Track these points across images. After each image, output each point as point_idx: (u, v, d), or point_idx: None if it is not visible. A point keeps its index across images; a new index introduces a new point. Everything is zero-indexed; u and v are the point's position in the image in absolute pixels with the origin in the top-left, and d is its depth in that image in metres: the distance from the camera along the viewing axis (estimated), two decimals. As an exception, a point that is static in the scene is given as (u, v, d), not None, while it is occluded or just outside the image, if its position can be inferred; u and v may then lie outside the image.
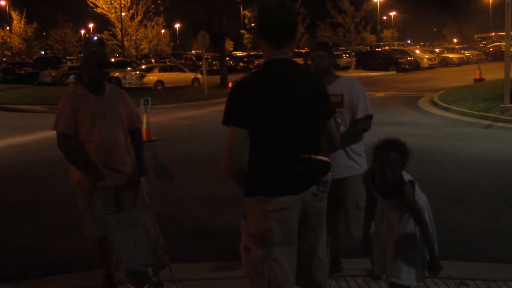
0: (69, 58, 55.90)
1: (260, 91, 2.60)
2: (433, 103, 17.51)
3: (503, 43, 23.17)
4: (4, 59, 54.79)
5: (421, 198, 3.30)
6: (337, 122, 3.97)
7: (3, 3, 67.31)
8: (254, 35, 2.72)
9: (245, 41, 77.43)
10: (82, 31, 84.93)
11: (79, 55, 62.95)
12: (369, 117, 4.07)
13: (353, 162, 4.02)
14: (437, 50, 49.02)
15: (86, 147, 3.93)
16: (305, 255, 2.81)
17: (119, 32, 45.20)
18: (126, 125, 4.07)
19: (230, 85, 19.94)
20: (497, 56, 41.55)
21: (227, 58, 40.34)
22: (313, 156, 2.68)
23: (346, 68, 39.64)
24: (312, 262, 2.84)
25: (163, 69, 30.47)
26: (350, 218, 4.04)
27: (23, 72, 37.53)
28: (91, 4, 43.90)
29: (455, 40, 74.41)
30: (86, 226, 4.06)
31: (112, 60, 35.25)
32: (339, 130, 3.97)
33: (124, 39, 45.59)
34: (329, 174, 2.80)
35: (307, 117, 2.72)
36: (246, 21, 41.28)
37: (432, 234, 3.23)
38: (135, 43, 51.58)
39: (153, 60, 49.65)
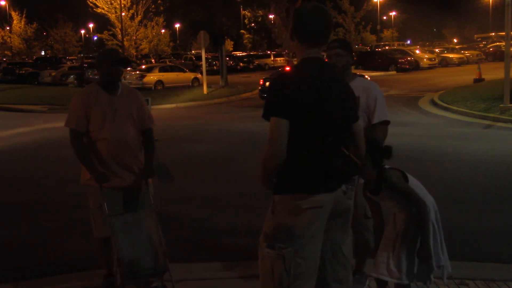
0: (69, 58, 55.90)
1: (301, 85, 2.67)
2: (433, 103, 17.52)
3: (503, 43, 23.18)
4: (4, 59, 54.78)
5: (425, 197, 3.33)
6: None
7: (3, 3, 67.33)
8: (290, 35, 2.86)
9: (245, 41, 77.48)
10: (82, 31, 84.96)
11: (79, 55, 62.98)
12: (385, 123, 3.88)
13: None
14: (437, 50, 49.02)
15: (97, 144, 3.95)
16: (330, 251, 2.85)
17: (119, 32, 45.19)
18: (138, 124, 4.07)
19: (261, 81, 19.59)
20: (497, 56, 41.54)
21: (227, 58, 40.35)
22: (351, 155, 2.74)
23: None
24: (337, 259, 2.88)
25: (163, 69, 30.45)
26: (364, 232, 3.92)
27: (23, 72, 37.51)
28: (91, 4, 43.92)
29: (455, 40, 74.41)
30: (94, 226, 4.05)
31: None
32: None
33: (124, 39, 45.57)
34: None
35: (342, 115, 2.79)
36: (246, 21, 41.23)
37: (436, 231, 3.27)
38: (135, 43, 51.58)
39: (153, 60, 49.64)
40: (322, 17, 2.78)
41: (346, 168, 2.75)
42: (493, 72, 24.59)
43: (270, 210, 2.77)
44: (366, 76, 23.27)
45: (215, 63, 41.34)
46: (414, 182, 3.37)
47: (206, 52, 27.71)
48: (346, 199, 2.84)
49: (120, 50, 44.31)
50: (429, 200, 3.35)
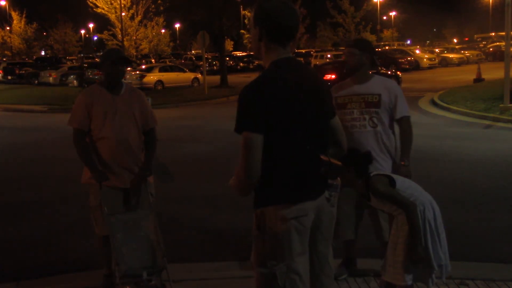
0: (69, 58, 55.90)
1: (273, 91, 2.46)
2: (433, 103, 17.53)
3: (503, 43, 23.17)
4: (4, 59, 54.76)
5: (420, 196, 3.33)
6: (373, 122, 3.99)
7: (3, 3, 67.27)
8: (253, 36, 2.63)
9: (245, 41, 77.35)
10: (82, 31, 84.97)
11: (79, 55, 63.00)
12: (407, 118, 4.09)
13: (377, 163, 3.90)
14: (437, 50, 49.02)
15: (98, 143, 3.97)
16: (317, 263, 2.71)
17: (119, 32, 45.15)
18: (140, 124, 4.08)
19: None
20: (497, 56, 41.55)
21: (227, 58, 40.37)
22: (331, 159, 2.59)
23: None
24: (324, 270, 2.74)
25: (163, 69, 30.46)
26: (381, 219, 3.95)
27: (23, 72, 37.53)
28: (91, 4, 43.91)
29: (455, 40, 74.39)
30: (95, 224, 4.07)
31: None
32: (376, 130, 3.99)
33: (124, 39, 45.55)
34: (338, 178, 2.74)
35: (319, 115, 2.62)
36: (246, 21, 41.27)
37: (433, 230, 3.28)
38: (135, 43, 51.56)
39: (153, 60, 49.65)
40: (292, 14, 2.56)
41: (330, 173, 2.62)
42: (493, 72, 24.59)
43: (255, 226, 2.59)
44: (399, 73, 23.74)
45: (215, 63, 41.39)
46: (405, 184, 3.38)
47: (206, 52, 27.70)
48: (329, 206, 2.70)
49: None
50: (426, 199, 3.35)
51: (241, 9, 37.75)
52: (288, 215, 2.49)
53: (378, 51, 46.69)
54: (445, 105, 16.51)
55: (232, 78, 30.32)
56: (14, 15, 62.67)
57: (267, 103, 2.43)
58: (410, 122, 4.12)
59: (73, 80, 31.87)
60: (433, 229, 3.32)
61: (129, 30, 48.12)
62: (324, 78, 17.59)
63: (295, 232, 2.52)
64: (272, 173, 2.48)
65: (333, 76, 18.23)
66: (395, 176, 3.42)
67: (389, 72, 23.18)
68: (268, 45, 2.58)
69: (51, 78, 34.10)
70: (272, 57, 2.58)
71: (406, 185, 3.37)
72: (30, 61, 49.16)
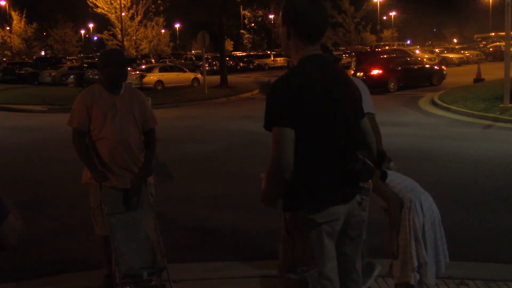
0: (69, 58, 55.89)
1: (305, 86, 2.42)
2: (433, 103, 17.53)
3: (503, 43, 23.19)
4: (4, 59, 54.74)
5: (409, 192, 3.34)
6: None
7: (3, 3, 67.25)
8: (282, 34, 2.60)
9: (245, 41, 77.45)
10: (82, 31, 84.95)
11: (79, 55, 63.00)
12: (372, 115, 3.91)
13: None
14: (437, 50, 49.01)
15: (98, 144, 3.97)
16: (343, 267, 2.59)
17: (119, 32, 45.20)
18: (140, 124, 4.08)
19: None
20: (497, 56, 41.57)
21: (227, 58, 40.37)
22: (366, 159, 2.53)
23: (346, 68, 39.67)
24: (350, 276, 2.63)
25: (163, 69, 30.44)
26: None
27: (23, 72, 37.53)
28: (91, 4, 43.96)
29: (455, 40, 74.40)
30: (95, 224, 4.07)
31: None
32: None
33: (124, 39, 45.59)
34: (369, 181, 2.66)
35: (350, 114, 2.56)
36: (246, 21, 41.29)
37: (418, 228, 3.28)
38: (135, 43, 51.60)
39: (153, 60, 49.65)
40: (321, 11, 2.53)
41: (363, 173, 2.51)
42: (493, 72, 24.57)
43: (284, 231, 2.50)
44: (443, 67, 24.74)
45: (215, 63, 41.40)
46: (397, 180, 3.38)
47: (206, 52, 27.70)
48: (360, 210, 2.62)
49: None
50: (415, 195, 3.34)
51: (241, 9, 37.76)
52: (319, 220, 2.42)
53: (378, 51, 46.71)
54: (445, 105, 16.51)
55: (232, 78, 30.32)
56: (14, 15, 62.67)
57: (296, 99, 2.38)
58: (374, 119, 3.94)
59: (73, 80, 31.82)
60: (418, 226, 3.29)
61: (129, 30, 48.16)
62: None
63: (326, 237, 2.44)
64: (302, 174, 2.40)
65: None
66: (389, 171, 3.43)
67: (436, 67, 25.48)
68: (297, 43, 2.55)
69: (51, 78, 34.08)
70: (301, 55, 2.54)
71: (396, 181, 3.37)
72: (30, 61, 49.15)
